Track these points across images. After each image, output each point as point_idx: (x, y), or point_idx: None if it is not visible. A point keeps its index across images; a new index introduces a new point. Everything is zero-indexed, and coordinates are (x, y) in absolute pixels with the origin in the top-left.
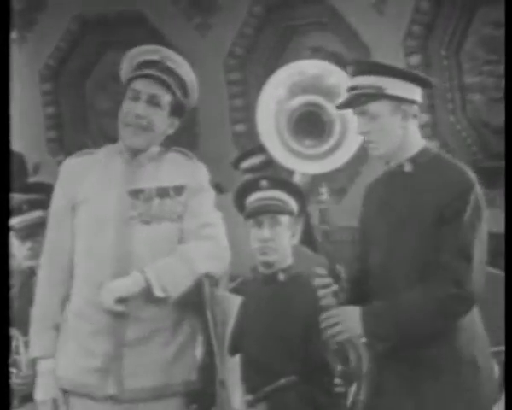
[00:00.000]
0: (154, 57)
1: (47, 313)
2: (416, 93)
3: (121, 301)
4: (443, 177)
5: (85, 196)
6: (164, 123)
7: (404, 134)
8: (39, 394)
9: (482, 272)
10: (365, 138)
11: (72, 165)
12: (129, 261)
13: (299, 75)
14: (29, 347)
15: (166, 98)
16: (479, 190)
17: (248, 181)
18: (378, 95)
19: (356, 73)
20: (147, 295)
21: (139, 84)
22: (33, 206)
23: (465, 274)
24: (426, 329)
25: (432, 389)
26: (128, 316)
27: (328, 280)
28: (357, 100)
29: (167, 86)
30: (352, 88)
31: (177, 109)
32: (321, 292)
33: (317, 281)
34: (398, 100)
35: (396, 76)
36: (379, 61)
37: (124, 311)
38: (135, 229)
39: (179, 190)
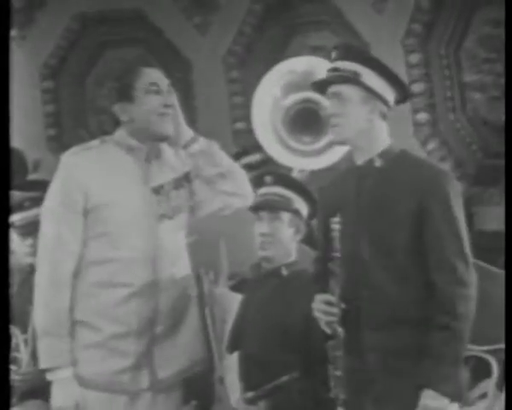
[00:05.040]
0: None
1: (59, 318)
2: (390, 94)
3: None
4: (416, 170)
5: (102, 201)
6: (178, 104)
7: (369, 128)
8: (59, 400)
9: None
10: (332, 121)
11: (77, 163)
12: (159, 259)
13: (291, 73)
14: (32, 349)
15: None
16: (455, 182)
17: (256, 176)
18: (353, 80)
19: (338, 57)
20: None
21: (151, 76)
22: (34, 203)
23: (465, 273)
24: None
25: None
26: (157, 314)
27: (335, 310)
28: (333, 81)
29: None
30: (331, 70)
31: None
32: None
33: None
34: (371, 92)
35: (375, 69)
36: (363, 48)
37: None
38: (163, 225)
39: (187, 177)
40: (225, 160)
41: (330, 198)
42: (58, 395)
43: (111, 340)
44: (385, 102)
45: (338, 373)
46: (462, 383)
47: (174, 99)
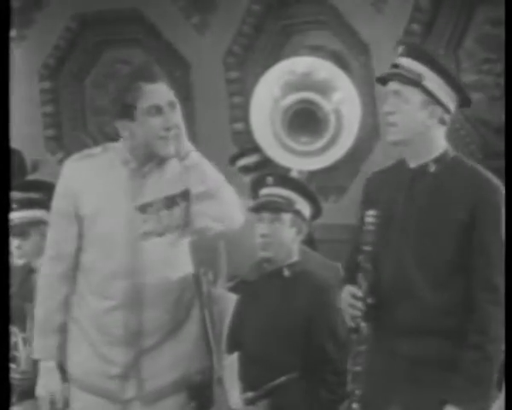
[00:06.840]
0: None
1: (49, 315)
2: (451, 100)
3: None
4: (470, 180)
5: (92, 210)
6: (180, 119)
7: (426, 132)
8: (40, 390)
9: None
10: (388, 120)
11: (75, 169)
12: (142, 274)
13: (289, 73)
14: (31, 346)
15: (173, 97)
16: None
17: (258, 177)
18: (415, 82)
19: (404, 54)
20: None
21: (152, 96)
22: (31, 204)
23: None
24: None
25: None
26: (143, 328)
27: (360, 304)
28: (396, 78)
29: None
30: (396, 66)
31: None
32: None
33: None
34: (432, 97)
35: (440, 74)
36: (430, 50)
37: None
38: (149, 243)
39: (185, 195)
40: (216, 178)
41: (374, 192)
42: (39, 386)
43: (99, 346)
44: (446, 108)
45: (357, 369)
46: (490, 403)
47: (177, 115)
